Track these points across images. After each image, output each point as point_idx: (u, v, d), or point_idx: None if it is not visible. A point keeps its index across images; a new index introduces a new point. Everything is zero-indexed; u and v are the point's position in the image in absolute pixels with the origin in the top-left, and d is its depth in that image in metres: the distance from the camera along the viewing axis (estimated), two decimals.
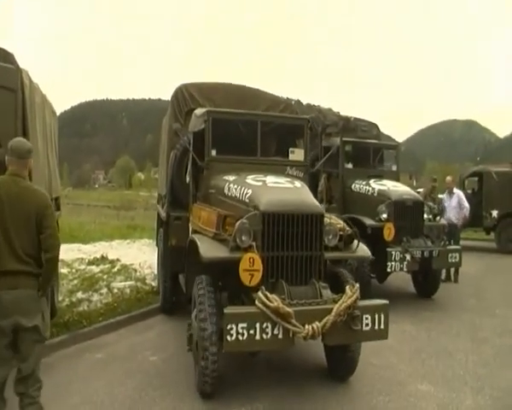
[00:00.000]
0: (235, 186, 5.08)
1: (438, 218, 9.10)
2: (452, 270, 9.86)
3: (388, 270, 7.72)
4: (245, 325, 3.82)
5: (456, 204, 9.95)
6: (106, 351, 5.81)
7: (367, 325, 4.18)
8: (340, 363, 4.83)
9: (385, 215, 8.16)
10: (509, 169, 15.54)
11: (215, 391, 4.39)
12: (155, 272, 9.08)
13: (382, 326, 4.24)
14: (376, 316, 4.21)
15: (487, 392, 4.70)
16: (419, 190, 11.68)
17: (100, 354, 5.70)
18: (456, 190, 10.28)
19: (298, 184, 5.14)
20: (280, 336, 3.92)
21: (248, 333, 3.83)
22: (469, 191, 15.57)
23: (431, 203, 9.33)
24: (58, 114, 8.76)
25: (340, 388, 4.73)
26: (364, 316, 4.16)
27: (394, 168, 10.23)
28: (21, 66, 4.69)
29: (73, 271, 9.92)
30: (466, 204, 9.96)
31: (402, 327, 6.44)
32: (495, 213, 14.92)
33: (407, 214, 8.22)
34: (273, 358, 5.27)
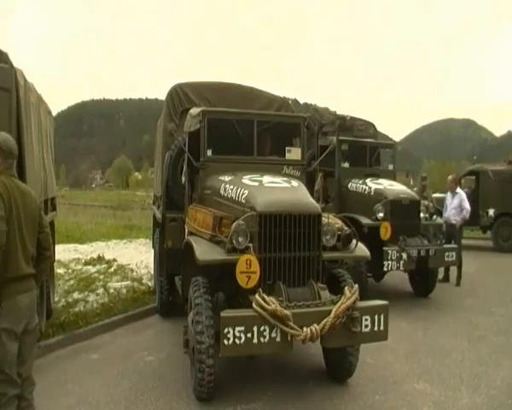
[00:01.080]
0: (231, 187, 5.01)
1: (434, 217, 9.10)
2: (455, 273, 9.68)
3: (385, 269, 7.72)
4: (242, 328, 3.73)
5: (457, 205, 9.65)
6: (102, 351, 5.80)
7: (366, 326, 4.09)
8: (338, 365, 4.77)
9: (381, 214, 8.17)
10: (505, 168, 15.52)
11: (212, 397, 4.35)
12: (152, 271, 9.07)
13: (382, 327, 4.15)
14: (376, 317, 4.12)
15: (483, 390, 4.71)
16: (414, 189, 11.63)
17: (96, 355, 5.69)
18: (459, 191, 9.94)
19: (295, 183, 5.07)
20: (278, 339, 3.83)
21: (246, 337, 3.74)
22: (466, 190, 15.56)
23: (426, 202, 9.31)
24: (55, 114, 8.73)
25: (336, 388, 4.72)
26: (364, 317, 4.07)
27: (391, 167, 10.21)
28: (17, 65, 4.67)
29: (70, 271, 9.93)
30: (467, 206, 9.64)
31: (398, 326, 6.43)
32: (491, 211, 14.93)
33: (403, 213, 8.21)
34: (270, 359, 5.26)
